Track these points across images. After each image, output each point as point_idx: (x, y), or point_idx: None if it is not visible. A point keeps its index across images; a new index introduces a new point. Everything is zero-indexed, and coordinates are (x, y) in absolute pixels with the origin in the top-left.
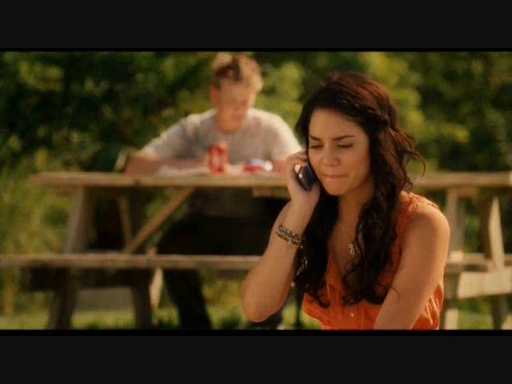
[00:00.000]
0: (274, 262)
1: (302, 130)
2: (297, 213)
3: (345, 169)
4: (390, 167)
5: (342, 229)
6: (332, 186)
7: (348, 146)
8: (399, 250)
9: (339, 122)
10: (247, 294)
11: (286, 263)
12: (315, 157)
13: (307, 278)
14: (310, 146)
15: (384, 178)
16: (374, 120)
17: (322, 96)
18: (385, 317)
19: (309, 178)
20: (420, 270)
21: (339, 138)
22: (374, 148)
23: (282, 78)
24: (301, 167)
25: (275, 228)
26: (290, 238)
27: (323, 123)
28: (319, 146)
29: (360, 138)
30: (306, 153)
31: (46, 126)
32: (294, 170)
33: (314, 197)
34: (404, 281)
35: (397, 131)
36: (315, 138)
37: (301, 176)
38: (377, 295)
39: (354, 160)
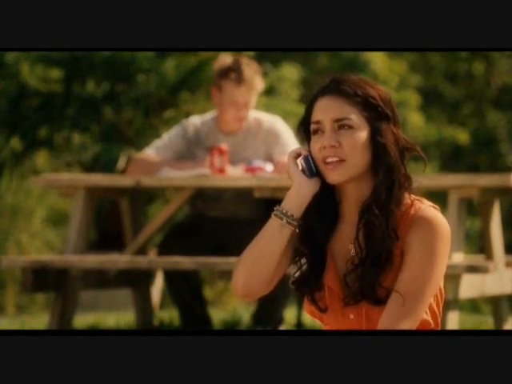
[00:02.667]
0: (267, 240)
1: (306, 124)
2: (295, 194)
3: (345, 152)
4: (391, 158)
5: (343, 230)
6: (332, 174)
7: (348, 129)
8: (400, 252)
9: (340, 105)
10: (236, 271)
11: (279, 243)
12: (316, 145)
13: (306, 281)
14: (311, 134)
15: (384, 171)
16: (376, 109)
17: (324, 86)
18: (387, 321)
19: (310, 167)
20: (422, 274)
21: (340, 120)
22: (376, 137)
23: (282, 79)
24: (303, 156)
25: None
26: (284, 218)
27: (324, 107)
28: (320, 132)
29: (360, 124)
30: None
31: (47, 127)
32: (295, 158)
33: (313, 183)
34: (406, 284)
35: (398, 130)
36: (316, 122)
37: (302, 162)
38: (378, 297)
39: (355, 143)
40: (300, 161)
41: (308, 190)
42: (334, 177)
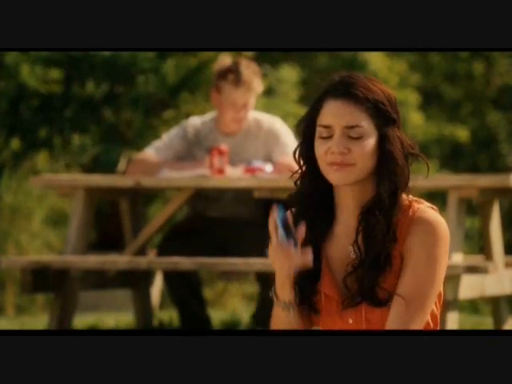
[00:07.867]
0: (282, 323)
1: (310, 121)
2: (281, 280)
3: (354, 158)
4: (397, 164)
5: (340, 233)
6: (338, 176)
7: (358, 138)
8: (399, 253)
9: (352, 111)
10: None
11: (294, 322)
12: (322, 147)
13: (301, 290)
14: (317, 136)
15: (389, 176)
16: (385, 115)
17: (334, 87)
18: (392, 326)
19: (288, 229)
20: (424, 278)
21: (351, 127)
22: (383, 143)
23: (281, 79)
24: (280, 219)
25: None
26: (283, 305)
27: (335, 112)
28: (327, 137)
29: (370, 131)
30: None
31: (47, 128)
32: (273, 223)
33: (292, 258)
34: (409, 289)
35: (401, 133)
36: (326, 126)
37: (281, 231)
38: (378, 298)
39: (364, 150)
40: (279, 229)
41: (290, 268)
42: (338, 178)
